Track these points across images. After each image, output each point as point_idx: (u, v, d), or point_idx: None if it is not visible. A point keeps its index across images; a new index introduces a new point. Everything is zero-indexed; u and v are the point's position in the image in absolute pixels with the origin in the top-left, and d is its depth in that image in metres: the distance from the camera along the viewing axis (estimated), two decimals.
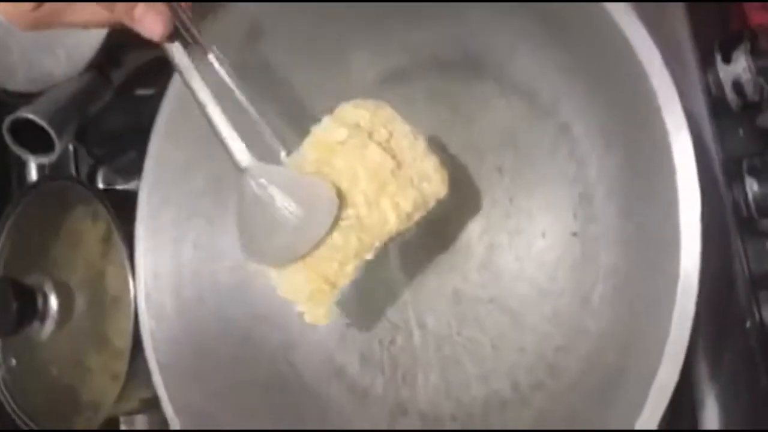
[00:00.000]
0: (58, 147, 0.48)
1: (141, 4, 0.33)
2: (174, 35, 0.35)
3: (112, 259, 0.53)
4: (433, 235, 0.43)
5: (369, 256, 0.36)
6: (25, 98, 0.56)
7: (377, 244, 0.35)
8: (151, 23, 0.34)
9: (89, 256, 0.54)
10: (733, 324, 0.37)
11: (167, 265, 0.46)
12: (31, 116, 0.47)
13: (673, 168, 0.27)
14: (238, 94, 0.37)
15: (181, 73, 0.36)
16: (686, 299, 0.27)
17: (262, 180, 0.35)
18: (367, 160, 0.34)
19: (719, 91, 0.42)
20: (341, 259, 0.35)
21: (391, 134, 0.35)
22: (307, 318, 0.36)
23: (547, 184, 0.39)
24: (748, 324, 0.37)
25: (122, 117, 0.63)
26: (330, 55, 0.44)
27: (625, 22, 0.29)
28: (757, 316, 0.38)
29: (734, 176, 0.41)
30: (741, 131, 0.44)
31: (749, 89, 0.42)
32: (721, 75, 0.42)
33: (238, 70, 0.43)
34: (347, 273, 0.35)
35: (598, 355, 0.35)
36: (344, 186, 0.34)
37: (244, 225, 0.37)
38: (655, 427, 0.27)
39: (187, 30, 0.35)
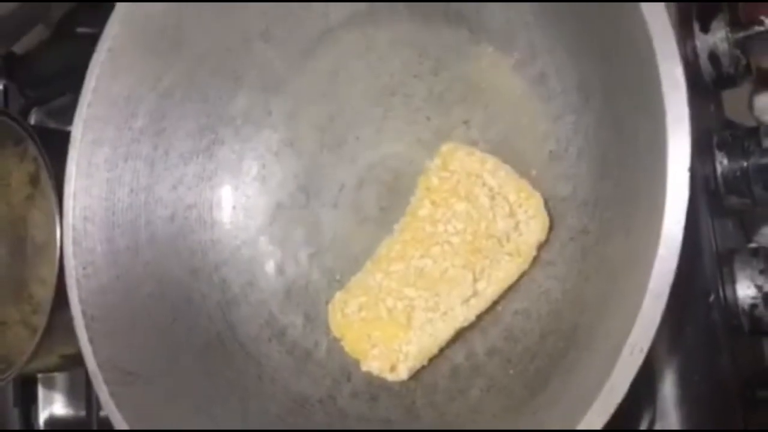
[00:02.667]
0: None
1: None
2: None
3: (39, 204, 0.50)
4: (391, 191, 0.41)
5: None
6: None
7: None
8: None
9: (13, 198, 0.51)
10: (697, 297, 0.35)
11: (100, 208, 0.42)
12: None
13: (664, 123, 0.25)
14: None
15: None
16: (667, 261, 0.25)
17: None
18: None
19: (695, 62, 0.41)
20: None
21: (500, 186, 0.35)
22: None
23: (516, 140, 0.36)
24: (711, 298, 0.36)
25: (60, 56, 0.60)
26: None
27: None
28: (720, 291, 0.36)
29: (703, 150, 0.39)
30: (712, 106, 0.43)
31: (725, 61, 0.40)
32: (698, 44, 0.41)
33: None
34: None
35: (559, 318, 0.33)
36: None
37: None
38: (624, 394, 0.25)
39: None
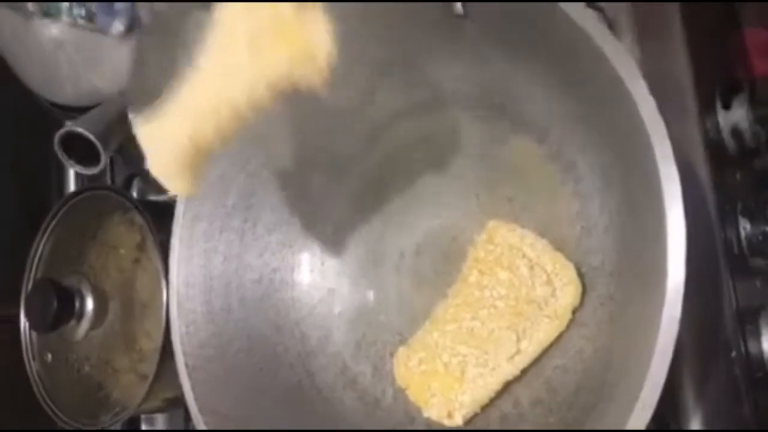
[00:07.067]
0: (104, 160, 0.51)
1: None
2: None
3: (144, 266, 0.57)
4: (445, 257, 0.46)
5: None
6: (71, 111, 0.60)
7: None
8: None
9: (123, 263, 0.58)
10: (719, 353, 0.40)
11: (199, 275, 0.49)
12: (81, 130, 0.50)
13: (663, 212, 0.31)
14: None
15: None
16: (669, 330, 0.30)
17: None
18: None
19: (718, 136, 0.45)
20: None
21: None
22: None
23: (552, 216, 0.42)
24: (733, 354, 0.40)
25: None
26: (358, 83, 0.48)
27: (628, 79, 0.32)
28: (742, 347, 0.40)
29: (728, 216, 0.44)
30: (738, 174, 0.47)
31: (747, 136, 0.45)
32: (721, 121, 0.45)
33: None
34: None
35: (591, 374, 0.38)
36: None
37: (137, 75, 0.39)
38: None
39: None
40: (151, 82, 0.36)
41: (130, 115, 0.37)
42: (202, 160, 0.36)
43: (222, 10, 0.33)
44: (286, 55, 0.32)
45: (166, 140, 0.35)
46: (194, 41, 0.34)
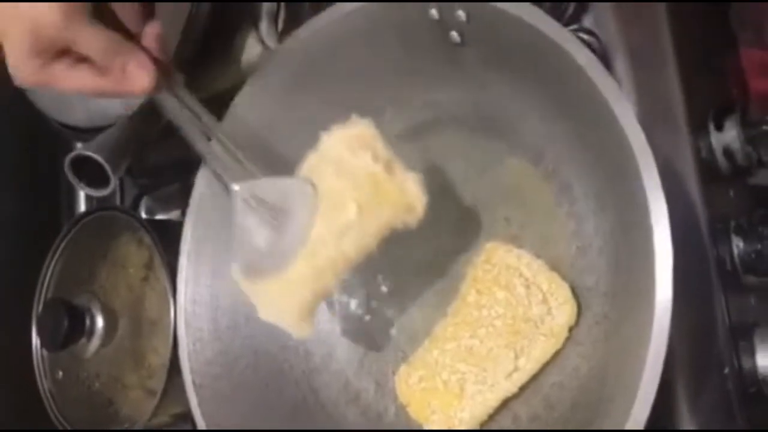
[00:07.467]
0: (113, 182, 0.53)
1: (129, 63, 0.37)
2: (159, 86, 0.39)
3: (153, 285, 0.58)
4: (444, 277, 0.48)
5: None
6: (81, 133, 0.61)
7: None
8: (138, 78, 0.37)
9: (132, 281, 0.59)
10: (712, 369, 0.41)
11: (206, 293, 0.50)
12: (91, 154, 0.52)
13: (650, 232, 0.32)
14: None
15: (172, 118, 0.41)
16: (659, 341, 0.31)
17: (249, 195, 0.41)
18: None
19: (711, 156, 0.46)
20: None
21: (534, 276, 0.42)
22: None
23: (549, 236, 0.43)
24: (726, 370, 0.41)
25: (167, 152, 0.68)
26: (359, 108, 0.49)
27: (616, 106, 0.34)
28: (735, 363, 0.41)
29: (721, 234, 0.45)
30: (731, 192, 0.48)
31: (739, 156, 0.45)
32: (713, 141, 0.46)
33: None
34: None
35: (587, 391, 0.39)
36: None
37: (242, 244, 0.41)
38: None
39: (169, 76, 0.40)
40: (264, 256, 0.40)
41: (239, 279, 0.41)
42: (319, 302, 0.41)
43: (321, 180, 0.39)
44: (387, 210, 0.38)
45: (287, 297, 0.40)
46: (302, 213, 0.38)
